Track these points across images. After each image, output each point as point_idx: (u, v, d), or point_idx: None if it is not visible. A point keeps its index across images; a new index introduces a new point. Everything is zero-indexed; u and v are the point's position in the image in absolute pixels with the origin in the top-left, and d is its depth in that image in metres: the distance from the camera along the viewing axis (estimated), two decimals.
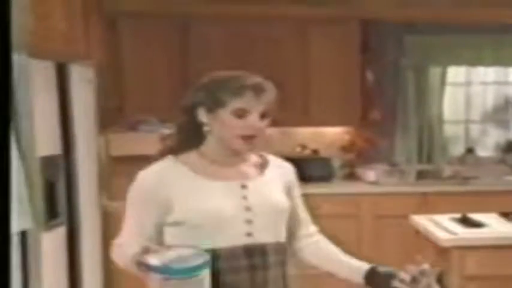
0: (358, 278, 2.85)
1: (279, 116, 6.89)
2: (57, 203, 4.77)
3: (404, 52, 7.70)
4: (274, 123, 7.11)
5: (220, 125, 2.64)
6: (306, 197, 6.63)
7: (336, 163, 7.68)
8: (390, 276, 2.76)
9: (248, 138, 2.64)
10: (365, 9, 7.22)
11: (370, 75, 7.53)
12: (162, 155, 2.73)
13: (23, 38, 4.29)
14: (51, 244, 4.63)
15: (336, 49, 7.28)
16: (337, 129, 7.70)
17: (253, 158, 2.83)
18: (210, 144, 2.72)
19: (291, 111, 7.01)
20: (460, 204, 6.06)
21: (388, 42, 7.68)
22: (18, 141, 4.13)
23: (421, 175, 7.50)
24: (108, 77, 6.31)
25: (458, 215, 5.02)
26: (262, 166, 2.83)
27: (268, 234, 2.68)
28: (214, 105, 2.62)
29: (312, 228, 3.10)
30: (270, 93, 2.67)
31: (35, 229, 4.20)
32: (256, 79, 2.65)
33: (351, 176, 7.66)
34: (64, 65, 5.05)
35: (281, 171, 2.88)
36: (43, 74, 4.69)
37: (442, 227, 4.80)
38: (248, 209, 2.64)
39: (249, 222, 2.63)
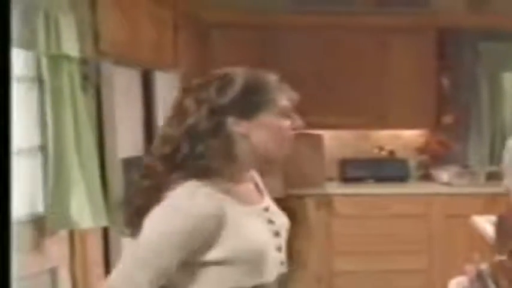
0: None
1: (359, 120, 6.90)
2: None
3: (479, 59, 7.44)
4: (355, 127, 7.12)
5: (262, 130, 2.08)
6: (380, 196, 6.64)
7: (412, 164, 7.51)
8: None
9: (291, 141, 2.15)
10: (442, 18, 7.09)
11: (445, 81, 7.35)
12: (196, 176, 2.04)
13: (109, 47, 4.30)
14: (132, 240, 4.61)
15: (413, 56, 7.15)
16: (413, 131, 7.55)
17: None
18: (236, 160, 2.10)
19: (370, 115, 7.02)
20: None
21: (464, 49, 7.43)
22: (100, 143, 4.15)
23: (491, 176, 7.22)
24: None
25: None
26: (255, 180, 2.30)
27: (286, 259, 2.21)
28: (253, 109, 2.07)
29: None
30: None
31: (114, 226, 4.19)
32: (273, 74, 2.18)
33: (426, 177, 7.47)
34: (150, 72, 5.03)
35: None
36: (129, 81, 4.68)
37: None
38: (277, 234, 2.16)
39: (279, 249, 2.16)
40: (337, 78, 7.04)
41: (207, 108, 2.04)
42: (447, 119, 7.35)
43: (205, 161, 2.03)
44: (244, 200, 2.11)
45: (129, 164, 4.53)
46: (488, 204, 6.47)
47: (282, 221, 2.24)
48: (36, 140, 3.80)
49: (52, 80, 3.68)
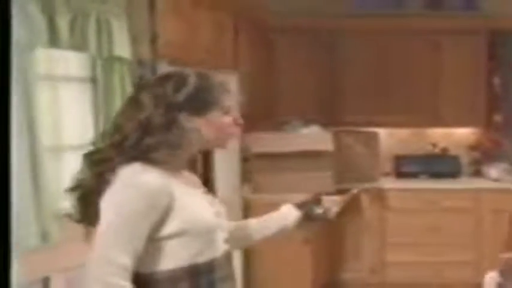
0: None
1: (413, 118, 6.74)
2: None
3: None
4: (410, 125, 6.96)
5: (211, 126, 2.13)
6: (432, 191, 6.44)
7: (464, 161, 7.28)
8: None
9: (234, 134, 2.23)
10: (493, 21, 6.87)
11: (496, 81, 7.14)
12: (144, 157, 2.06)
13: (165, 49, 4.22)
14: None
15: (465, 57, 6.95)
16: (465, 129, 7.34)
17: None
18: (182, 150, 2.13)
19: (424, 114, 6.98)
20: None
21: None
22: None
23: None
24: (259, 84, 6.15)
25: None
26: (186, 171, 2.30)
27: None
28: (204, 107, 2.12)
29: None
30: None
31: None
32: (219, 76, 2.24)
33: (478, 173, 7.24)
34: None
35: None
36: None
37: None
38: (218, 214, 2.19)
39: (222, 228, 2.20)
40: (392, 79, 6.94)
41: (164, 104, 2.08)
42: (498, 118, 7.16)
43: (153, 152, 2.05)
44: (186, 183, 2.15)
45: None
46: None
47: (219, 205, 2.27)
48: (90, 138, 3.75)
49: (104, 80, 3.62)
